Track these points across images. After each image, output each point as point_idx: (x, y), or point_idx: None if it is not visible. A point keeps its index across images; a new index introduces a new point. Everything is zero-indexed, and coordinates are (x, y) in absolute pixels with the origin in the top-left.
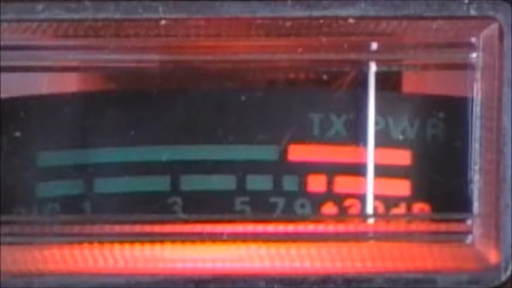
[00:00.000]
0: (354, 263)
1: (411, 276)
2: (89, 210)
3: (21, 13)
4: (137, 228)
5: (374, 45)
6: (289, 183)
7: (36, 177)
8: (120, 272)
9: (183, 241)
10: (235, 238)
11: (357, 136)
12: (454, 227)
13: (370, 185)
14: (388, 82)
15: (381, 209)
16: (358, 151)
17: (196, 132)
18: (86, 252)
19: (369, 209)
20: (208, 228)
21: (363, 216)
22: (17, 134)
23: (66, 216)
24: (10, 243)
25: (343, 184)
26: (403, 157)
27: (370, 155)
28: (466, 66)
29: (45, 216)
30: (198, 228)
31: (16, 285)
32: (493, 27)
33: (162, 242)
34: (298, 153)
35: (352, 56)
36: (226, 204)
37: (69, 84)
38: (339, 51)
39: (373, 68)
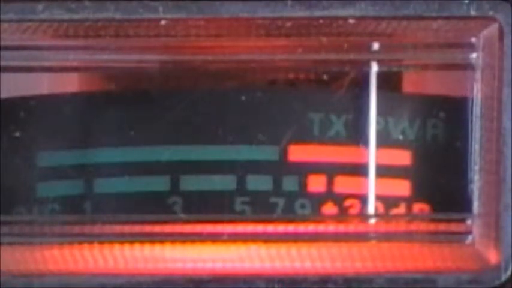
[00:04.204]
0: (354, 263)
1: (411, 276)
2: (89, 210)
3: (21, 13)
4: (137, 228)
5: (375, 46)
6: (289, 183)
7: (36, 177)
8: (120, 272)
9: (183, 241)
10: (235, 238)
11: (357, 136)
12: (454, 227)
13: (371, 184)
14: (388, 82)
15: (381, 209)
16: (358, 151)
17: (196, 132)
18: (86, 252)
19: (370, 209)
20: (208, 228)
21: (363, 216)
22: (17, 134)
23: (66, 216)
24: (10, 243)
25: (343, 184)
26: (403, 157)
27: (372, 155)
28: (466, 66)
29: (45, 216)
30: (198, 228)
31: (16, 285)
32: (493, 27)
33: (162, 242)
34: (298, 153)
35: (352, 56)
36: (226, 204)
37: (70, 84)
38: (339, 51)
39: (374, 68)
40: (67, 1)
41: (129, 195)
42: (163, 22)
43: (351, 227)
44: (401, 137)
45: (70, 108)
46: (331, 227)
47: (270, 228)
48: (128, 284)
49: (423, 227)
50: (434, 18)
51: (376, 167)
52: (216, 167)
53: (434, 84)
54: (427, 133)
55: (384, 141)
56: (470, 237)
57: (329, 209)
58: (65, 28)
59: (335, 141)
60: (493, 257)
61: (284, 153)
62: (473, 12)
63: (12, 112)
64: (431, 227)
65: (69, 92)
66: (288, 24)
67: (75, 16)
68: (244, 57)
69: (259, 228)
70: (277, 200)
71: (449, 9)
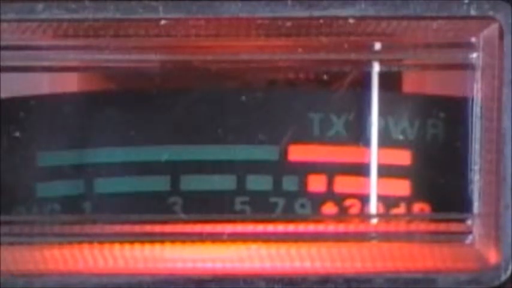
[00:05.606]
0: (354, 263)
1: (411, 276)
2: (89, 210)
3: (21, 13)
4: (137, 228)
5: (377, 46)
6: (289, 183)
7: (36, 177)
8: (120, 272)
9: (183, 241)
10: (235, 238)
11: (357, 136)
12: (454, 227)
13: (373, 184)
14: (388, 82)
15: (381, 209)
16: (359, 151)
17: (196, 132)
18: (86, 252)
19: (370, 209)
20: (208, 228)
21: (363, 216)
22: (17, 134)
23: (66, 216)
24: (10, 243)
25: (343, 184)
26: (403, 157)
27: (374, 154)
28: (466, 66)
29: (45, 216)
30: (198, 228)
31: (16, 285)
32: (493, 27)
33: (162, 242)
34: (298, 153)
35: (353, 56)
36: (226, 204)
37: (70, 84)
38: (339, 51)
39: (376, 68)
40: (67, 1)
41: (129, 195)
42: (163, 22)
43: (351, 227)
44: (401, 137)
45: (70, 108)
46: (331, 227)
47: (270, 228)
48: (128, 284)
49: (423, 227)
50: (434, 18)
51: (376, 166)
52: (216, 167)
53: (434, 84)
54: (427, 133)
55: (384, 141)
56: (470, 237)
57: (329, 209)
58: (65, 28)
59: (335, 141)
60: (493, 257)
61: (284, 153)
62: (473, 12)
63: (12, 112)
64: (431, 227)
65: (69, 92)
66: (288, 24)
67: (75, 16)
68: (244, 57)
69: (259, 228)
70: (277, 200)
71: (449, 9)
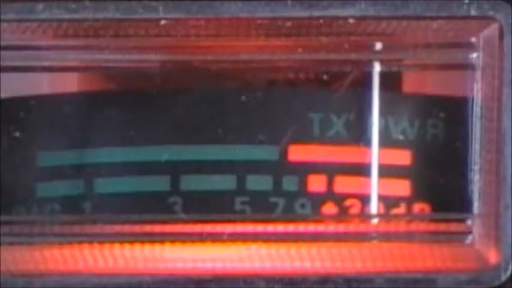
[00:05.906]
0: (354, 263)
1: (411, 276)
2: (89, 210)
3: (21, 13)
4: (137, 228)
5: (378, 46)
6: (289, 183)
7: (36, 177)
8: (120, 272)
9: (183, 241)
10: (235, 238)
11: (357, 136)
12: (454, 227)
13: (373, 184)
14: (388, 82)
15: (381, 209)
16: (359, 151)
17: (196, 132)
18: (86, 252)
19: (370, 209)
20: (208, 228)
21: (363, 216)
22: (17, 134)
23: (66, 216)
24: (10, 243)
25: (343, 184)
26: (403, 157)
27: (374, 154)
28: (466, 66)
29: (45, 216)
30: (198, 228)
31: (16, 285)
32: (493, 27)
33: (162, 242)
34: (298, 153)
35: (353, 56)
36: (226, 204)
37: (70, 84)
38: (339, 51)
39: (376, 68)
40: (67, 1)
41: (129, 195)
42: (163, 22)
43: (351, 227)
44: (401, 137)
45: (70, 108)
46: (331, 227)
47: (270, 228)
48: (128, 284)
49: (423, 227)
50: (434, 18)
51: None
52: (216, 167)
53: (434, 84)
54: (427, 133)
55: (384, 141)
56: (470, 237)
57: (329, 209)
58: (65, 28)
59: (335, 141)
60: (493, 257)
61: (284, 153)
62: (473, 12)
63: (12, 112)
64: (431, 227)
65: (69, 92)
66: (288, 24)
67: (75, 16)
68: (244, 57)
69: (259, 228)
70: (277, 200)
71: (449, 9)
